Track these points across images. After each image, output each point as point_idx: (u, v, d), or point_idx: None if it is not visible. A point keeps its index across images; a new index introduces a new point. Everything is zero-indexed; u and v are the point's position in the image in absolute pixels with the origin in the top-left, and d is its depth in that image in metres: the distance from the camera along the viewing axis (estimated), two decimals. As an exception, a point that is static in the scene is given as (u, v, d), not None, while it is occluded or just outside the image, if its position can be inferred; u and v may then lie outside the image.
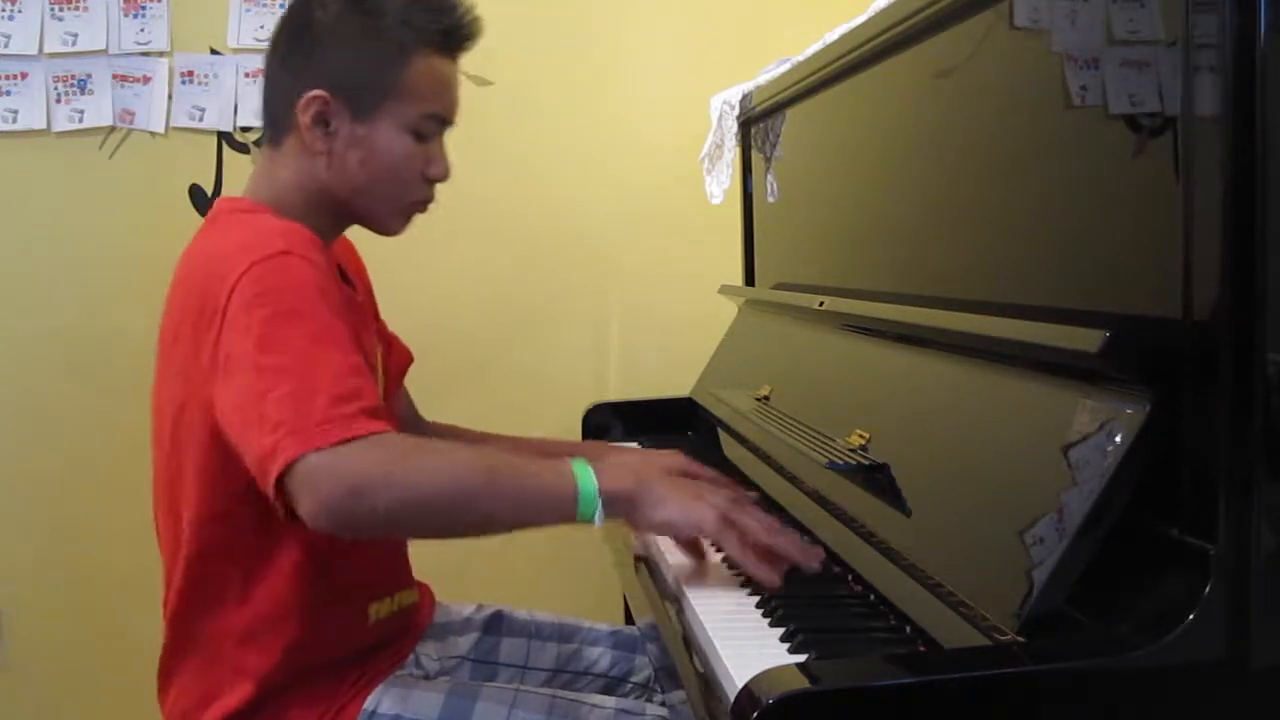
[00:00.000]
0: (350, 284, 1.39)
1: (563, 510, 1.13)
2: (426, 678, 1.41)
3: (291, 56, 1.31)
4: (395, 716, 1.26)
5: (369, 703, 1.27)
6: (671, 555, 1.31)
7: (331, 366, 1.10)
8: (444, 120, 1.34)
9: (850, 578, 1.19)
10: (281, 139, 1.31)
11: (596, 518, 1.12)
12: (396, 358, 1.54)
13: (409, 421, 1.59)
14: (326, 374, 1.09)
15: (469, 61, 1.42)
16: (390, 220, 1.35)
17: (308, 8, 1.30)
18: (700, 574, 1.25)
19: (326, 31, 1.28)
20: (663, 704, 1.40)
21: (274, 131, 1.33)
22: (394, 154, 1.30)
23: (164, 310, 1.29)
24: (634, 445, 1.78)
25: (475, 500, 1.12)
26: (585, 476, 1.13)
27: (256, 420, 1.07)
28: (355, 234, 1.43)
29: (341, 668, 1.29)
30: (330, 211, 1.33)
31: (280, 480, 1.05)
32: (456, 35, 1.31)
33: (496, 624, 1.56)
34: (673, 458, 1.37)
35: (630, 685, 1.56)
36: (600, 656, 1.56)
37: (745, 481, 1.63)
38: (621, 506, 1.15)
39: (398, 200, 1.34)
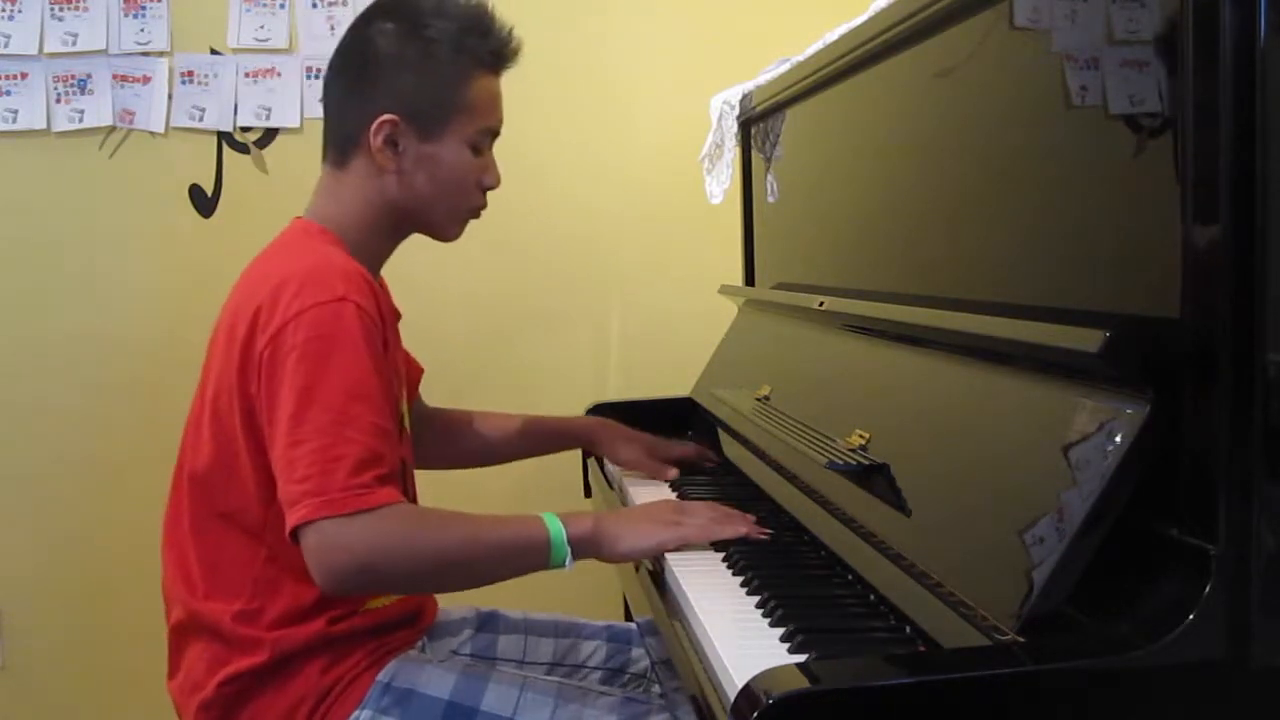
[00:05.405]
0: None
1: (539, 561, 1.26)
2: None
3: (357, 84, 1.39)
4: (409, 690, 1.30)
5: (383, 675, 1.32)
6: (672, 555, 1.31)
7: (361, 426, 1.20)
8: (496, 133, 1.44)
9: (850, 577, 1.19)
10: (348, 160, 1.39)
11: (567, 563, 1.26)
12: (413, 372, 1.64)
13: (424, 417, 1.68)
14: (355, 434, 1.20)
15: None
16: (450, 228, 1.46)
17: (367, 37, 1.39)
18: (701, 575, 1.26)
19: (390, 59, 1.37)
20: (661, 695, 1.40)
21: (339, 154, 1.40)
22: (458, 168, 1.40)
23: (221, 312, 1.36)
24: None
25: (465, 566, 1.26)
26: (555, 528, 1.26)
27: (288, 465, 1.20)
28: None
29: (351, 642, 1.32)
30: (393, 225, 1.42)
31: (296, 529, 1.18)
32: (503, 55, 1.41)
33: (492, 623, 1.59)
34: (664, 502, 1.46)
35: (628, 676, 1.57)
36: (597, 650, 1.59)
37: (745, 481, 1.63)
38: (587, 547, 1.28)
39: (458, 209, 1.44)
